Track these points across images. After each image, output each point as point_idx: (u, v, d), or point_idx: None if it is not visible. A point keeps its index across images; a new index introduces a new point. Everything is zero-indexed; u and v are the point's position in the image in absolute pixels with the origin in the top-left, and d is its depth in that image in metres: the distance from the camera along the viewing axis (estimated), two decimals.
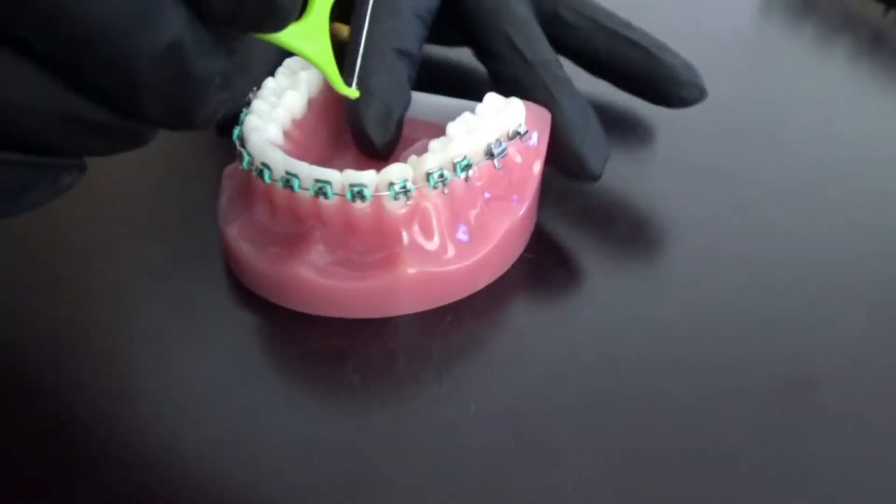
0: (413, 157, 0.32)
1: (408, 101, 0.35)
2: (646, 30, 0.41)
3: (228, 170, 0.36)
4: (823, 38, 0.53)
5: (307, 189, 0.31)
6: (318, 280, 0.31)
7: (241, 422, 0.29)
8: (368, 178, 0.31)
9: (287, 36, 0.22)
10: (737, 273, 0.35)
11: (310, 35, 0.22)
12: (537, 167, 0.36)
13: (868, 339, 0.32)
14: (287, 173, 0.31)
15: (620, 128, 0.43)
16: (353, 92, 0.27)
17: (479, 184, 0.33)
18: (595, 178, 0.37)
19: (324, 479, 0.27)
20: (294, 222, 0.32)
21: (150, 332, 0.32)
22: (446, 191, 0.32)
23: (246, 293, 0.34)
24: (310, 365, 0.31)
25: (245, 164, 0.32)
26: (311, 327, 0.33)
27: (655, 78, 0.40)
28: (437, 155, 0.32)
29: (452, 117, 0.36)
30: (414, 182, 0.31)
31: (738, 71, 0.49)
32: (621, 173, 0.40)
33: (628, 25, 0.41)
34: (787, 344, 0.32)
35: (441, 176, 0.32)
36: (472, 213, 0.33)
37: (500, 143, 0.33)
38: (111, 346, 0.32)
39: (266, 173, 0.31)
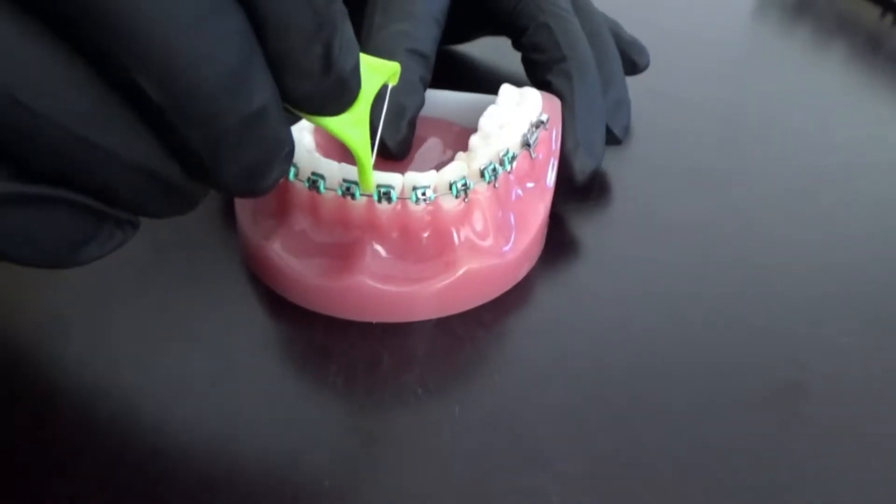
0: (461, 154, 0.34)
1: (420, 102, 0.35)
2: (635, 33, 0.41)
3: None
4: (818, 41, 0.54)
5: (369, 196, 0.31)
6: (379, 287, 0.32)
7: (224, 421, 0.29)
8: (430, 178, 0.32)
9: (337, 122, 0.23)
10: (727, 279, 0.36)
11: (354, 124, 0.24)
12: (556, 154, 0.37)
13: (858, 346, 0.33)
14: (345, 181, 0.31)
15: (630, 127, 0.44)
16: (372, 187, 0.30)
17: (512, 176, 0.34)
18: (576, 184, 0.38)
19: (307, 480, 0.27)
20: (342, 231, 0.32)
21: (133, 330, 0.32)
22: (497, 184, 0.33)
23: (224, 289, 0.34)
24: (293, 365, 0.32)
25: (291, 175, 0.32)
26: (293, 326, 0.33)
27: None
28: (486, 150, 0.33)
29: (460, 112, 0.37)
30: (470, 179, 0.32)
31: (730, 74, 0.50)
32: (613, 176, 0.40)
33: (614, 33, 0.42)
34: (776, 350, 0.33)
35: (494, 170, 0.33)
36: (513, 204, 0.35)
37: (534, 133, 0.35)
38: (92, 343, 0.32)
39: (321, 184, 0.31)
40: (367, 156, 0.27)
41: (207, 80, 0.18)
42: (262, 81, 0.19)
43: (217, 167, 0.20)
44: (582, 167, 0.37)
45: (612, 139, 0.40)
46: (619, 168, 0.42)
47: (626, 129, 0.40)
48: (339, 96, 0.21)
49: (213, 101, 0.18)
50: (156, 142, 0.19)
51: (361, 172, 0.28)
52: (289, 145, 0.21)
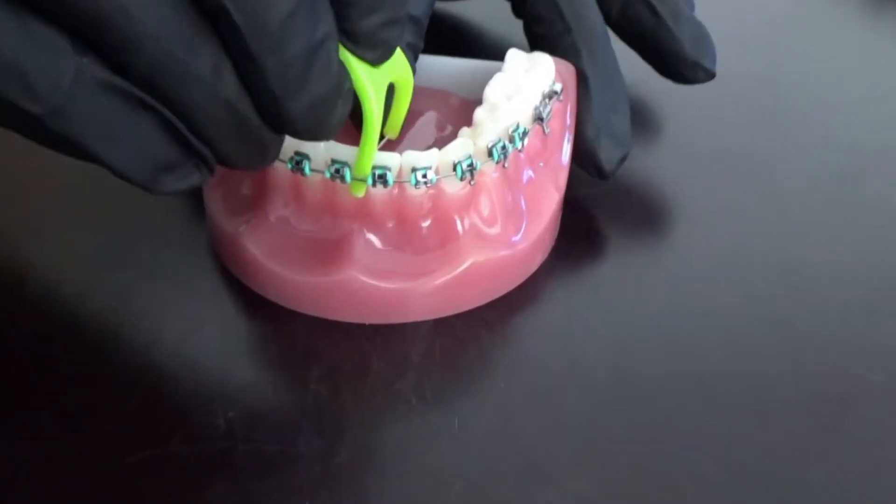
0: (465, 130, 0.33)
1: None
2: None
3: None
4: (872, 5, 0.53)
5: (361, 179, 0.31)
6: (371, 283, 0.32)
7: (201, 433, 0.29)
8: (431, 158, 0.31)
9: (366, 76, 0.27)
10: (762, 274, 0.35)
11: (375, 87, 0.28)
12: (570, 128, 0.36)
13: None
14: (334, 162, 0.31)
15: (635, 108, 0.43)
16: (361, 189, 0.31)
17: (523, 155, 0.34)
18: (604, 177, 0.37)
19: (287, 503, 0.27)
20: (330, 219, 0.33)
21: (86, 331, 0.32)
22: (507, 164, 0.33)
23: (191, 285, 0.34)
24: (270, 371, 0.32)
25: None
26: (271, 327, 0.33)
27: (660, 49, 0.40)
28: (493, 125, 0.33)
29: (460, 81, 0.36)
30: (476, 158, 0.32)
31: (769, 43, 0.49)
32: (636, 158, 0.40)
33: None
34: (821, 357, 0.32)
35: (503, 148, 0.33)
36: (524, 187, 0.35)
37: (546, 105, 0.34)
38: (39, 349, 0.32)
39: (306, 164, 0.31)
40: (376, 126, 0.28)
41: (280, 6, 0.22)
42: (325, 12, 0.24)
43: (286, 97, 0.24)
44: (608, 157, 0.37)
45: (597, 170, 0.37)
46: (643, 149, 0.41)
47: (619, 160, 0.38)
48: (389, 38, 0.26)
49: (284, 27, 0.22)
50: (235, 76, 0.23)
51: (363, 148, 0.29)
52: (348, 83, 0.26)
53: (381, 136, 0.35)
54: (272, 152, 0.26)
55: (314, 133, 0.25)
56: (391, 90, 0.31)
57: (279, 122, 0.25)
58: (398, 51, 0.29)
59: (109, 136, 0.22)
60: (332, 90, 0.25)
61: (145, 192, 0.24)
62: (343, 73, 0.25)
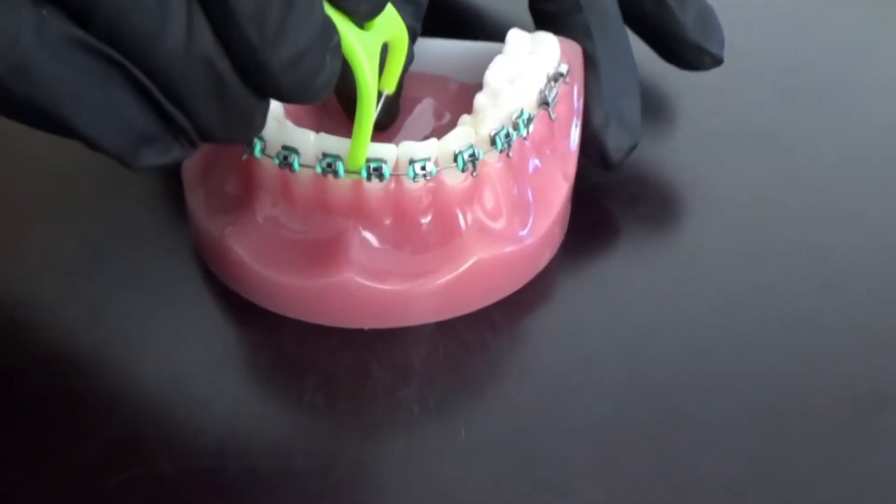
0: (465, 118, 0.33)
1: (409, 58, 0.35)
2: None
3: (188, 164, 0.36)
4: None
5: (356, 174, 0.31)
6: (368, 285, 0.31)
7: (189, 451, 0.29)
8: (430, 149, 0.31)
9: (356, 39, 0.27)
10: (787, 267, 0.35)
11: (368, 55, 0.27)
12: (578, 112, 0.36)
13: None
14: (325, 155, 0.31)
15: (646, 89, 0.42)
16: (356, 166, 0.31)
17: (528, 142, 0.34)
18: (610, 168, 0.37)
19: None
20: (322, 217, 0.33)
21: (61, 341, 0.33)
22: (511, 153, 0.33)
23: (173, 290, 0.34)
24: (260, 381, 0.32)
25: (257, 151, 0.32)
26: (260, 334, 0.33)
27: (662, 32, 0.40)
28: (495, 112, 0.33)
29: (459, 65, 0.37)
30: (478, 147, 0.32)
31: (789, 17, 0.49)
32: (650, 142, 0.40)
33: None
34: (853, 354, 0.32)
35: (507, 136, 0.32)
36: (530, 178, 0.34)
37: (552, 89, 0.34)
38: (11, 357, 0.32)
39: (294, 159, 0.31)
40: (371, 98, 0.28)
41: None
42: None
43: (265, 47, 0.23)
44: (617, 145, 0.37)
45: (604, 160, 0.37)
46: (657, 135, 0.41)
47: (628, 149, 0.38)
48: None
49: None
50: (210, 29, 0.23)
51: (357, 135, 0.29)
52: (335, 38, 0.25)
53: (376, 126, 0.35)
54: (257, 121, 0.25)
55: (301, 92, 0.25)
56: (384, 50, 0.30)
57: (261, 80, 0.24)
58: (388, 5, 0.28)
59: (79, 98, 0.22)
60: (316, 39, 0.24)
61: (120, 191, 0.24)
62: (329, 22, 0.25)
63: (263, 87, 0.24)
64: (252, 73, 0.24)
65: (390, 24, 0.29)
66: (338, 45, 0.25)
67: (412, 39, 0.35)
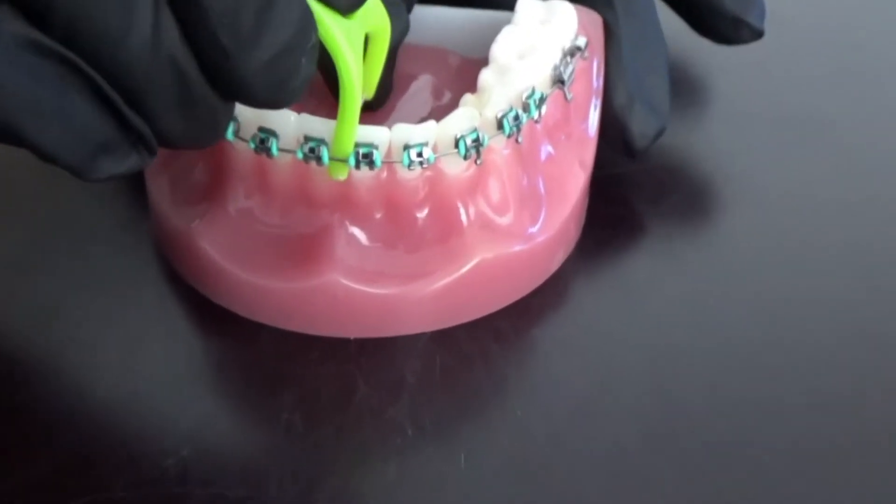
0: (468, 97, 0.33)
1: (404, 27, 0.35)
2: None
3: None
4: None
5: (342, 160, 0.31)
6: (356, 287, 0.32)
7: (148, 476, 0.29)
8: (427, 133, 0.31)
9: (337, 26, 0.27)
10: (836, 270, 0.35)
11: (350, 41, 0.28)
12: (598, 92, 0.36)
13: None
14: (308, 139, 0.31)
15: (676, 66, 0.43)
16: (343, 171, 0.31)
17: (540, 126, 0.34)
18: (634, 155, 0.37)
19: None
20: (304, 210, 0.33)
21: (7, 349, 0.33)
22: (520, 138, 0.33)
23: (132, 293, 0.34)
24: (231, 397, 0.32)
25: (230, 133, 0.32)
26: (232, 344, 0.33)
27: (695, 1, 0.40)
28: (503, 90, 0.33)
29: (462, 37, 0.37)
30: (483, 131, 0.32)
31: None
32: (681, 127, 0.40)
33: None
34: None
35: (516, 118, 0.32)
36: (542, 166, 0.35)
37: (568, 65, 0.34)
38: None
39: (273, 143, 0.31)
40: (356, 89, 0.28)
41: None
42: None
43: (238, 50, 0.24)
44: (642, 130, 0.37)
45: (627, 146, 0.38)
46: (690, 116, 0.41)
47: (654, 135, 0.38)
48: None
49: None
50: (177, 28, 0.23)
51: (343, 120, 0.29)
52: (313, 38, 0.25)
53: (366, 107, 0.35)
54: (221, 124, 0.26)
55: (273, 97, 0.25)
56: (366, 42, 0.31)
57: (230, 84, 0.24)
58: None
59: (31, 105, 0.22)
60: (293, 41, 0.24)
61: (74, 180, 0.24)
62: (309, 18, 0.25)
63: (233, 91, 0.25)
64: (221, 77, 0.24)
65: (373, 13, 0.30)
66: (315, 46, 0.26)
67: (408, 8, 0.35)
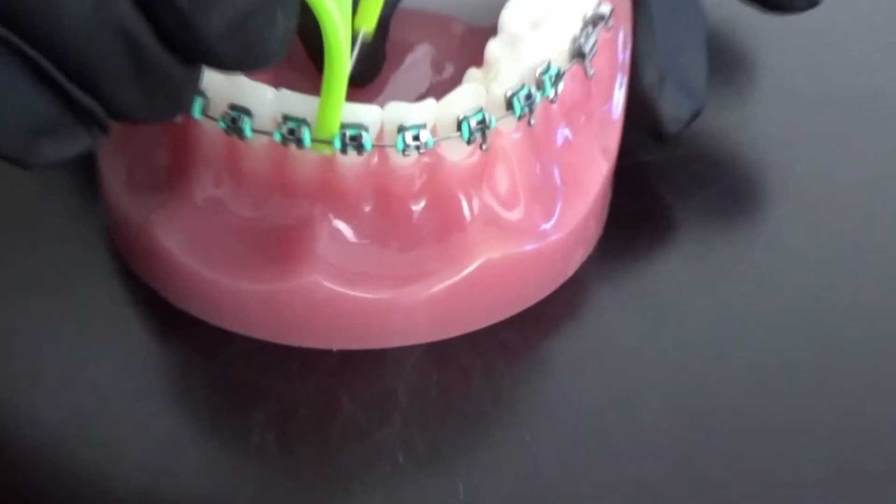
0: (473, 72, 0.33)
1: None
2: None
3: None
4: None
5: (328, 143, 0.31)
6: (341, 291, 0.32)
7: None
8: (425, 112, 0.31)
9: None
10: None
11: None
12: (624, 67, 0.36)
13: None
14: (287, 118, 0.31)
15: (715, 38, 0.43)
16: (328, 148, 0.31)
17: (556, 106, 0.34)
18: (665, 141, 0.37)
19: None
20: (281, 201, 0.33)
21: None
22: (533, 120, 0.33)
23: (82, 295, 0.34)
24: (195, 414, 0.32)
25: (196, 111, 0.32)
26: (196, 354, 0.33)
27: None
28: (513, 64, 0.33)
29: (467, 2, 0.37)
30: (490, 112, 0.32)
31: None
32: (717, 108, 0.40)
33: None
34: None
35: (528, 97, 0.32)
36: (558, 153, 0.35)
37: (590, 36, 0.34)
38: None
39: (246, 123, 0.31)
40: (342, 53, 0.28)
41: None
42: None
43: (197, 9, 0.23)
44: (674, 112, 0.37)
45: (657, 131, 0.38)
46: (731, 96, 0.41)
47: (689, 118, 0.38)
48: None
49: None
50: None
51: (327, 95, 0.29)
52: None
53: (354, 80, 0.35)
54: (185, 94, 0.26)
55: (245, 60, 0.25)
56: None
57: (191, 48, 0.24)
58: None
59: None
60: None
61: (13, 167, 0.24)
62: None
63: (196, 55, 0.24)
64: (180, 41, 0.24)
65: None
66: (294, 2, 0.25)
67: None
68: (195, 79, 0.26)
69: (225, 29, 0.24)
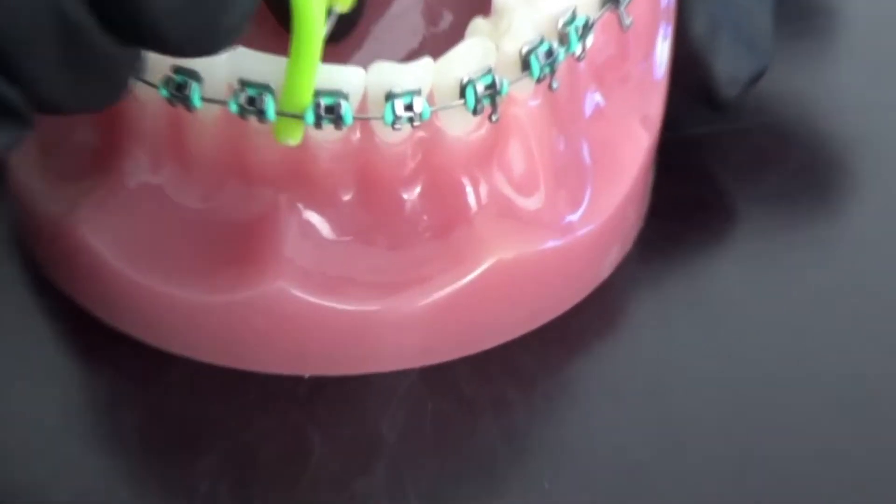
0: (479, 22, 0.33)
1: None
2: None
3: None
4: None
5: (298, 115, 0.30)
6: (313, 301, 0.32)
7: None
8: (420, 75, 0.31)
9: None
10: None
11: None
12: (668, 14, 0.37)
13: None
14: (245, 84, 0.31)
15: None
16: (296, 131, 0.31)
17: (583, 66, 0.34)
18: (719, 108, 0.37)
19: None
20: (239, 187, 0.33)
21: None
22: (555, 84, 0.33)
23: (4, 307, 0.34)
24: (123, 461, 0.32)
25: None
26: (130, 382, 0.33)
27: None
28: (528, 12, 0.32)
29: None
30: (501, 74, 0.32)
31: None
32: (782, 66, 0.40)
33: None
34: None
35: (549, 54, 0.32)
36: (587, 126, 0.35)
37: None
38: None
39: (194, 90, 0.31)
40: (313, 15, 0.28)
41: None
42: None
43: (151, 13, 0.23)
44: (732, 72, 0.37)
45: (710, 94, 0.38)
46: (802, 53, 0.41)
47: (750, 78, 0.38)
48: None
49: None
50: None
51: (296, 59, 0.28)
52: None
53: (329, 36, 0.35)
54: (124, 79, 0.26)
55: (198, 42, 0.25)
56: None
57: (134, 29, 0.24)
58: None
59: None
60: None
61: None
62: None
63: (137, 36, 0.25)
64: (119, 19, 0.24)
65: None
66: None
67: None
68: (134, 61, 0.26)
69: (178, 6, 0.24)
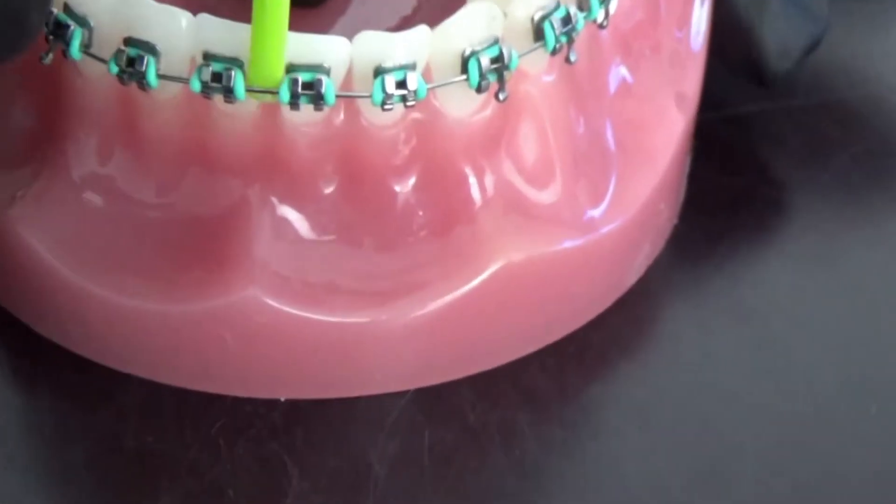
0: None
1: None
2: None
3: None
4: None
5: (271, 92, 0.31)
6: (290, 312, 0.32)
7: None
8: (413, 47, 0.31)
9: None
10: None
11: None
12: None
13: None
14: (208, 57, 0.31)
15: None
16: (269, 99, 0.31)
17: (606, 34, 0.34)
18: (768, 84, 0.38)
19: None
20: (202, 178, 0.33)
21: None
22: (573, 56, 0.33)
23: None
24: (73, 492, 0.32)
25: (74, 48, 0.32)
26: (75, 408, 0.33)
27: None
28: None
29: None
30: (509, 44, 0.32)
31: None
32: (842, 33, 0.40)
33: None
34: None
35: (565, 21, 0.32)
36: (610, 105, 0.35)
37: None
38: None
39: (149, 64, 0.31)
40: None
41: None
42: None
43: None
44: (783, 41, 0.37)
45: (756, 68, 0.38)
46: (867, 20, 0.42)
47: (803, 49, 0.39)
48: None
49: None
50: None
51: (263, 21, 0.29)
52: None
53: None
54: (32, 19, 0.26)
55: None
56: None
57: None
58: None
59: None
60: None
61: None
62: None
63: None
64: None
65: None
66: None
67: None
68: (44, 6, 0.26)
69: None
